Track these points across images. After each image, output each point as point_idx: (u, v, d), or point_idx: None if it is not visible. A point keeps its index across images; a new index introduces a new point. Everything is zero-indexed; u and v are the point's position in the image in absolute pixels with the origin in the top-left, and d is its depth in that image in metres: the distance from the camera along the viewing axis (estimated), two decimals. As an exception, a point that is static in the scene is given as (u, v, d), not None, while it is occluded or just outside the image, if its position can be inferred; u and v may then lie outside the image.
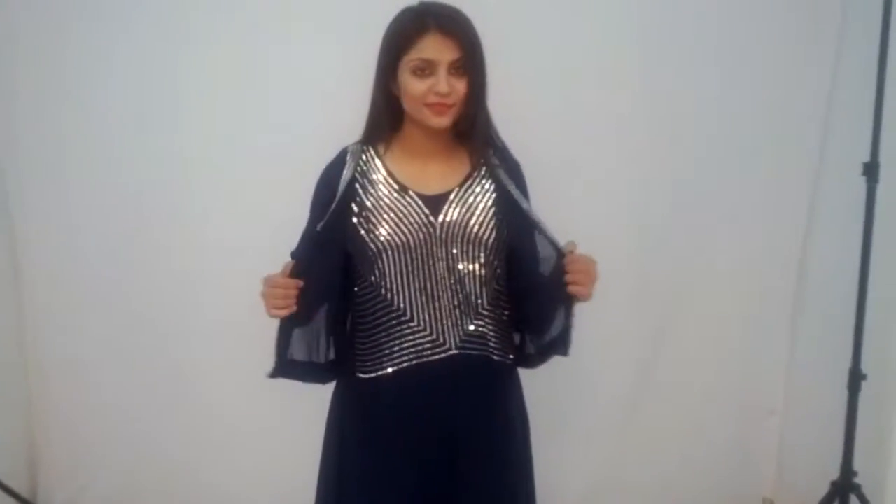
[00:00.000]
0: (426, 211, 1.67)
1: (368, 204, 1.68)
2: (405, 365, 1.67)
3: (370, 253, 1.66)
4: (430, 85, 1.61)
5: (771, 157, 2.66)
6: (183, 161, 2.53)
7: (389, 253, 1.65)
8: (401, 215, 1.66)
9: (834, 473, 2.34)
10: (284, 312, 1.59)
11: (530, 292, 1.73)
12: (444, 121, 1.65)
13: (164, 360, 2.68)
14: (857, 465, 2.30)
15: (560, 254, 1.65)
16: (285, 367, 1.68)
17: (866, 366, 2.28)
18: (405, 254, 1.65)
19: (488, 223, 1.68)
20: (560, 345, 1.72)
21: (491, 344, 1.72)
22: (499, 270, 1.72)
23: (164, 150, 2.53)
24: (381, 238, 1.65)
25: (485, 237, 1.67)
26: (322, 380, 1.79)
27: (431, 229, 1.66)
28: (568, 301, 1.67)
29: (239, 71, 2.47)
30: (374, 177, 1.71)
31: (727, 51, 2.58)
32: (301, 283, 1.59)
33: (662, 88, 2.57)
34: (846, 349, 2.32)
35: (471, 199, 1.70)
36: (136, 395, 2.71)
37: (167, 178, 2.54)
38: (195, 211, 2.57)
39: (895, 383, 2.31)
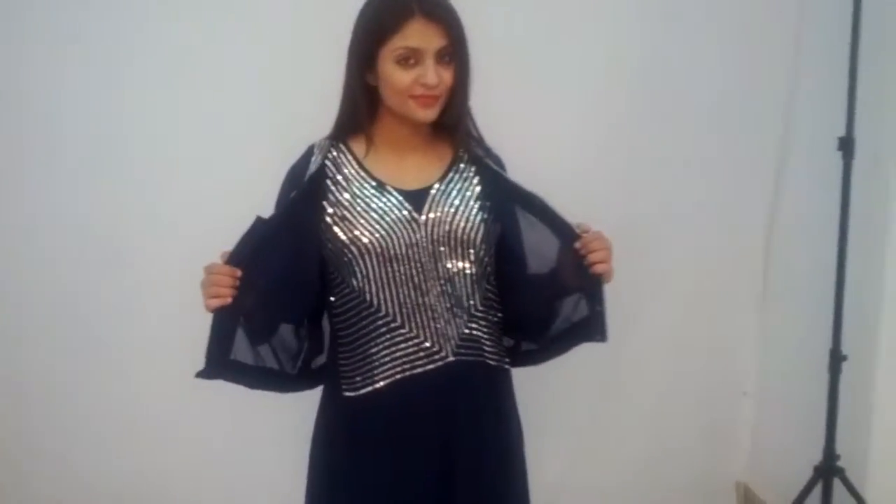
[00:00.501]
0: (408, 207, 1.53)
1: (343, 201, 1.53)
2: (398, 377, 1.53)
3: (349, 256, 1.51)
4: (417, 75, 1.47)
5: (738, 132, 2.61)
6: (171, 162, 2.42)
7: (372, 254, 1.50)
8: (381, 213, 1.52)
9: (812, 457, 2.29)
10: (218, 303, 1.42)
11: (526, 286, 1.61)
12: (430, 113, 1.51)
13: (119, 382, 2.51)
14: (838, 448, 2.26)
15: (571, 236, 1.54)
16: (223, 366, 1.49)
17: (845, 346, 2.24)
18: (389, 255, 1.51)
19: (475, 217, 1.55)
20: (593, 331, 1.59)
21: (486, 348, 1.59)
22: (489, 268, 1.59)
23: (122, 154, 2.41)
24: (363, 238, 1.50)
25: (473, 233, 1.54)
26: (282, 387, 1.64)
27: (415, 226, 1.52)
28: (592, 284, 1.55)
29: (197, 71, 2.37)
30: (347, 171, 1.56)
31: (693, 25, 2.52)
32: (239, 273, 1.43)
33: (630, 67, 2.49)
34: (821, 329, 2.28)
35: (454, 193, 1.57)
36: (86, 417, 2.53)
37: (152, 180, 2.42)
38: (155, 212, 2.43)
39: (874, 364, 2.27)
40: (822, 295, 2.27)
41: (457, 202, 1.55)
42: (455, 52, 1.50)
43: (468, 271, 1.55)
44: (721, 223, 2.67)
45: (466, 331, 1.55)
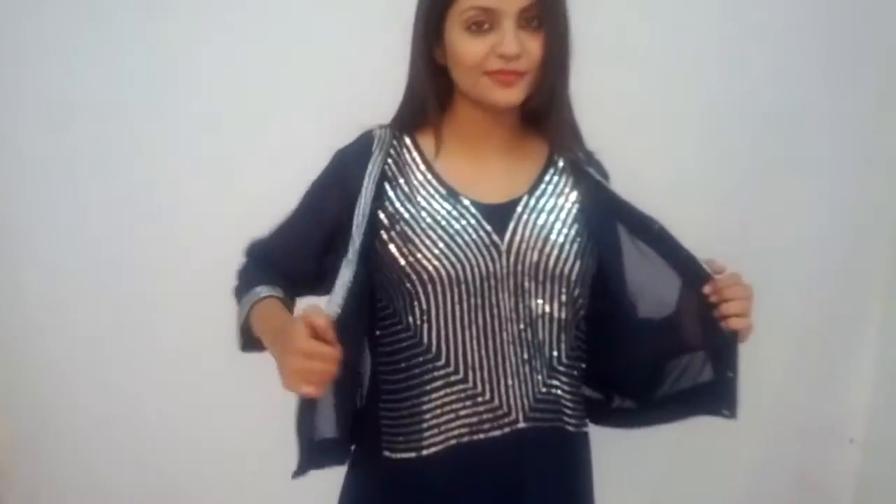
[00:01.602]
0: (486, 227, 1.19)
1: (404, 214, 1.19)
2: (453, 443, 1.20)
3: (408, 285, 1.18)
4: (492, 44, 1.13)
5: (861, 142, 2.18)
6: (174, 161, 2.18)
7: (437, 285, 1.17)
8: (451, 232, 1.18)
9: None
10: (320, 392, 1.08)
11: (631, 334, 1.27)
12: (512, 94, 1.16)
13: (154, 371, 2.29)
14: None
15: (699, 277, 1.19)
16: (314, 455, 1.22)
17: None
18: (459, 287, 1.17)
19: (571, 246, 1.21)
20: (720, 403, 1.23)
21: (566, 410, 1.25)
22: (582, 311, 1.25)
23: (154, 149, 2.19)
24: (427, 265, 1.17)
25: (567, 266, 1.20)
26: (341, 459, 1.33)
27: (495, 254, 1.18)
28: (723, 342, 1.20)
29: (232, 65, 2.11)
30: (412, 176, 1.23)
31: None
32: (342, 353, 1.08)
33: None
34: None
35: (547, 210, 1.22)
36: (120, 407, 2.33)
37: (157, 179, 2.19)
38: (187, 212, 2.19)
39: None
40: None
41: (550, 223, 1.21)
42: (546, 15, 1.14)
43: (556, 315, 1.21)
44: (840, 240, 2.25)
45: (544, 389, 1.22)
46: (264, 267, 1.32)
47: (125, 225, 2.21)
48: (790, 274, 2.23)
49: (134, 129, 2.16)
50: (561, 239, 1.20)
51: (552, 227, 1.20)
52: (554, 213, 1.22)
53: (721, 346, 1.20)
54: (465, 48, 1.14)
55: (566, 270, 1.19)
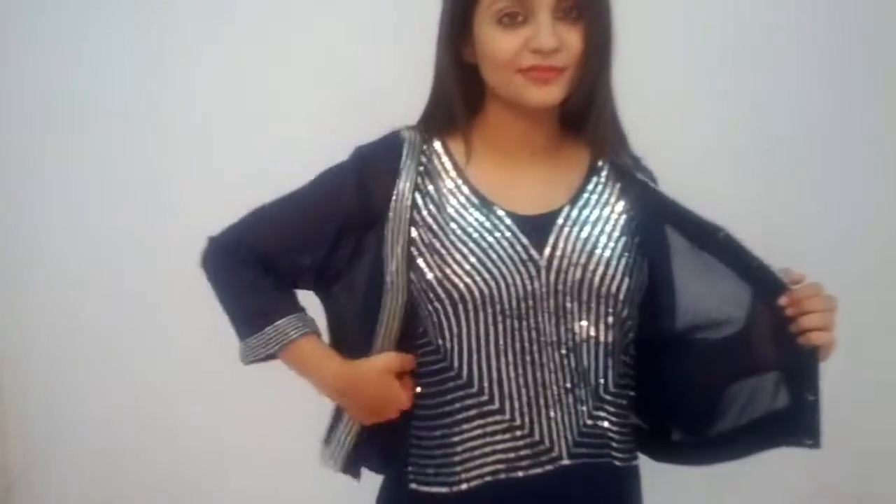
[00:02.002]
0: (523, 241, 1.07)
1: (433, 225, 1.08)
2: (489, 479, 1.08)
3: (437, 303, 1.07)
4: (526, 38, 1.02)
5: None
6: (178, 162, 2.15)
7: (469, 304, 1.05)
8: (484, 245, 1.06)
9: None
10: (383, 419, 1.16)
11: (690, 355, 1.12)
12: (550, 93, 1.04)
13: (158, 370, 2.24)
14: None
15: (773, 287, 1.04)
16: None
17: None
18: (493, 308, 1.06)
19: (619, 261, 1.08)
20: (800, 431, 1.05)
21: (613, 444, 1.12)
22: (631, 334, 1.12)
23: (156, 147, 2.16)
24: (458, 282, 1.05)
25: (615, 285, 1.07)
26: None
27: (533, 270, 1.06)
28: (802, 360, 1.04)
29: (237, 62, 2.07)
30: (442, 183, 1.11)
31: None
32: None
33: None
34: None
35: (591, 223, 1.10)
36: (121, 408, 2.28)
37: (160, 178, 2.16)
38: (191, 212, 2.08)
39: None
40: None
41: (594, 236, 1.09)
42: (586, 5, 1.03)
43: (603, 338, 1.08)
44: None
45: (590, 421, 1.09)
46: (252, 263, 1.17)
47: (129, 226, 2.17)
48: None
49: (139, 129, 2.13)
50: (607, 254, 1.08)
51: (597, 241, 1.08)
52: (599, 225, 1.09)
53: (799, 365, 1.04)
54: (497, 43, 1.03)
55: (613, 289, 1.07)
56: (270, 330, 1.14)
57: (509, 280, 1.05)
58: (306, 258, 1.16)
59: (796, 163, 1.96)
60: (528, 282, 1.05)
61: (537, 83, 1.03)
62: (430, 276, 1.06)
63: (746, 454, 1.14)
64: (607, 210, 1.11)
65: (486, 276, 1.04)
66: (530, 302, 1.05)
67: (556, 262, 1.06)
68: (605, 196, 1.12)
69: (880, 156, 2.00)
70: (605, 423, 1.10)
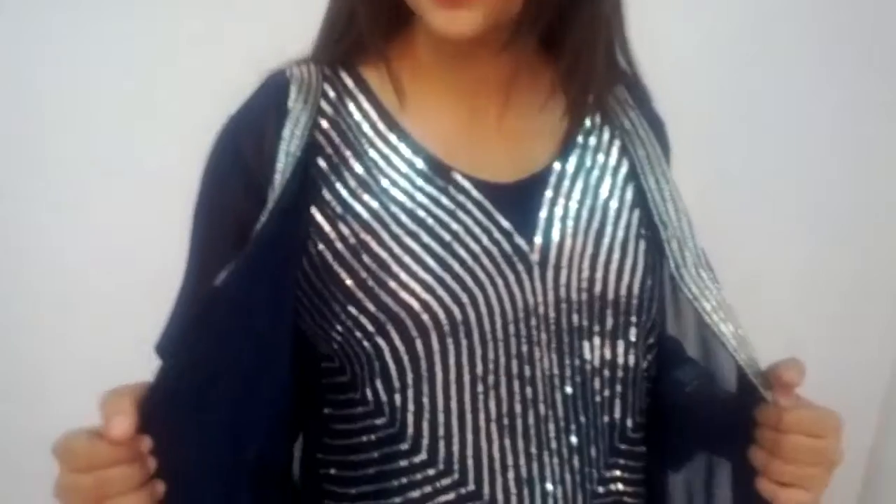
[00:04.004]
0: (503, 225, 0.69)
1: (362, 211, 0.67)
2: None
3: (377, 339, 0.66)
4: None
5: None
6: (179, 161, 1.62)
7: (430, 337, 0.66)
8: (447, 239, 0.67)
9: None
10: None
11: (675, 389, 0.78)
12: (461, 20, 0.64)
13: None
14: None
15: (757, 384, 0.67)
16: None
17: None
18: (469, 338, 0.66)
19: (637, 241, 0.72)
20: None
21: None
22: (654, 350, 0.76)
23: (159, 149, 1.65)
24: (413, 302, 0.65)
25: (637, 276, 0.71)
26: None
27: (523, 270, 0.68)
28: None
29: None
30: (366, 144, 0.70)
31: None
32: (148, 444, 0.58)
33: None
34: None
35: (593, 187, 0.73)
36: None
37: (164, 179, 1.68)
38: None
39: None
40: None
41: (601, 208, 0.72)
42: None
43: (622, 362, 0.71)
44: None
45: (600, 488, 0.72)
46: None
47: (130, 225, 1.73)
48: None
49: (140, 128, 1.69)
50: (621, 233, 0.71)
51: (605, 216, 0.71)
52: (602, 190, 0.73)
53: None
54: None
55: (635, 286, 0.70)
56: None
57: (489, 291, 0.66)
58: None
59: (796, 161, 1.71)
60: (516, 289, 0.67)
61: (444, 4, 0.63)
62: (361, 296, 0.65)
63: None
64: (606, 173, 0.74)
65: (456, 287, 0.65)
66: (520, 321, 0.67)
67: (553, 254, 0.69)
68: (605, 148, 0.75)
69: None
70: (620, 486, 0.74)
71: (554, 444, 0.70)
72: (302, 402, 0.71)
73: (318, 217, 0.67)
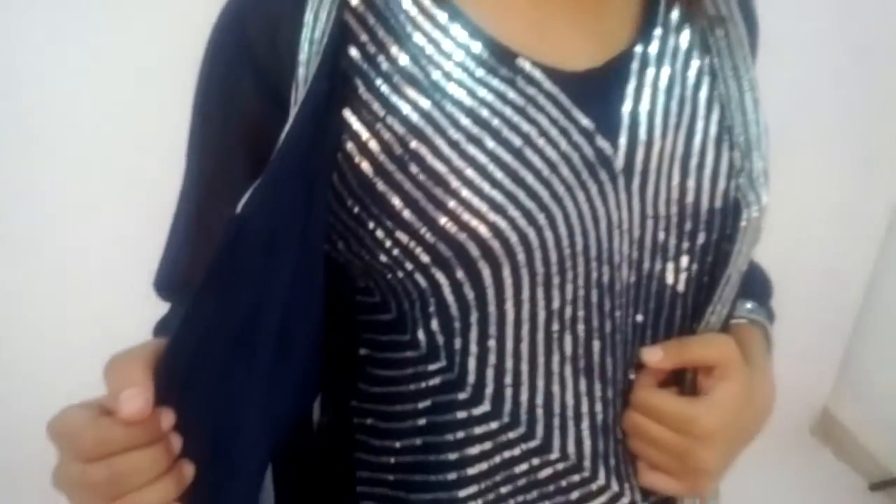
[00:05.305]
0: (583, 123, 0.55)
1: (411, 115, 0.52)
2: None
3: (433, 271, 0.53)
4: None
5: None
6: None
7: (505, 268, 0.53)
8: (517, 144, 0.53)
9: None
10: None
11: None
12: None
13: None
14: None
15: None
16: None
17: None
18: (546, 266, 0.54)
19: (719, 144, 0.59)
20: None
21: None
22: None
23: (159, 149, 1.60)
24: (480, 226, 0.52)
25: (721, 185, 0.58)
26: None
27: (607, 180, 0.55)
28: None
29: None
30: (412, 30, 0.54)
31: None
32: (170, 419, 0.45)
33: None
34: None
35: (679, 77, 0.59)
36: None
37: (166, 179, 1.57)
38: None
39: None
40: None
41: (688, 100, 0.58)
42: None
43: (703, 285, 0.60)
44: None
45: None
46: None
47: (130, 225, 1.68)
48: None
49: (140, 128, 1.65)
50: (714, 129, 0.59)
51: (696, 106, 0.58)
52: (688, 75, 0.59)
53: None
54: None
55: (719, 196, 0.58)
56: None
57: (570, 208, 0.53)
58: None
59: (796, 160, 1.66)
60: (599, 204, 0.54)
61: None
62: (409, 218, 0.52)
63: None
64: (694, 56, 0.60)
65: (531, 205, 0.52)
66: (603, 241, 0.55)
67: (640, 159, 0.56)
68: (679, 46, 0.61)
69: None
70: None
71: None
72: (331, 343, 0.59)
73: (354, 122, 0.52)
